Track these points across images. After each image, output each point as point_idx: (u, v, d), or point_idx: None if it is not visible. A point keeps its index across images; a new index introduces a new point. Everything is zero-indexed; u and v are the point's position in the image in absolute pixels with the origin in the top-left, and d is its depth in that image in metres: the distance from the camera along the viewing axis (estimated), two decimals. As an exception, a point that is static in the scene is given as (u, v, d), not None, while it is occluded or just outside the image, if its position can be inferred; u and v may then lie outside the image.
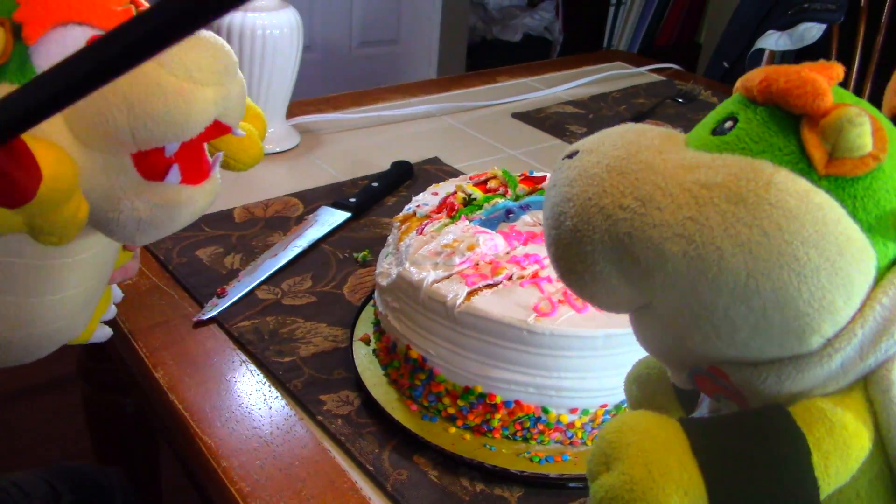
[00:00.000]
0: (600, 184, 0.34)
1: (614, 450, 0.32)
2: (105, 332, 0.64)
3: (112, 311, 0.65)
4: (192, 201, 0.46)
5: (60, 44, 0.41)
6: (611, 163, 0.34)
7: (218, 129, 0.45)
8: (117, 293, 0.67)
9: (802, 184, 0.31)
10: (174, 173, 0.44)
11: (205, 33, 0.44)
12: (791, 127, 0.32)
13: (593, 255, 0.34)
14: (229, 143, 0.50)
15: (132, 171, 0.43)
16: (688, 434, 0.32)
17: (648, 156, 0.34)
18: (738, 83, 0.35)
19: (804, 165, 0.32)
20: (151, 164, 0.43)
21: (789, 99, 0.32)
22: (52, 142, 0.39)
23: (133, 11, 0.43)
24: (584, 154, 0.36)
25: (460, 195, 0.72)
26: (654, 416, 0.34)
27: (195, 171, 0.45)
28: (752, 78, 0.34)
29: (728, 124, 0.34)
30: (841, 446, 0.32)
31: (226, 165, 0.53)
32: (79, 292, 0.49)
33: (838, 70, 0.34)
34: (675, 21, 3.12)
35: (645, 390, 0.43)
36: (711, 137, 0.34)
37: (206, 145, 0.48)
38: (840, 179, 0.32)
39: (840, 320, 0.32)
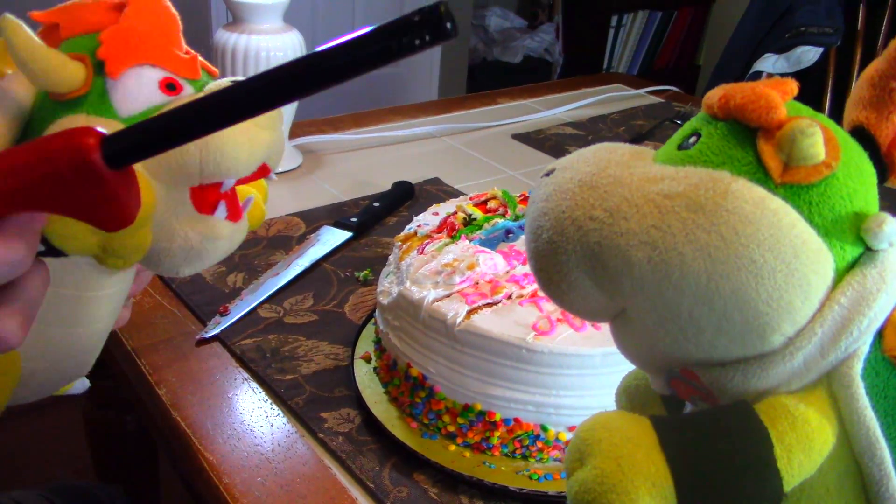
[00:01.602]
0: (573, 198, 0.36)
1: (587, 446, 0.34)
2: (84, 383, 0.63)
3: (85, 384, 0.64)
4: (231, 237, 0.49)
5: (137, 82, 0.44)
6: (582, 178, 0.36)
7: (262, 171, 0.47)
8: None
9: (759, 191, 0.33)
10: (222, 209, 0.47)
11: None
12: (749, 140, 0.34)
13: (568, 264, 0.36)
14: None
15: (188, 203, 0.45)
16: (656, 430, 0.34)
17: (617, 171, 0.36)
18: (703, 101, 0.37)
19: (761, 175, 0.33)
20: (206, 198, 0.46)
21: (745, 113, 0.34)
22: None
23: (198, 58, 0.47)
24: (559, 171, 0.38)
25: (461, 215, 0.73)
26: (626, 414, 0.35)
27: (235, 209, 0.48)
28: (713, 95, 0.36)
29: (692, 139, 0.36)
30: (804, 440, 0.33)
31: None
32: (101, 327, 0.51)
33: (792, 86, 0.35)
34: (674, 43, 3.15)
35: (634, 401, 0.44)
36: (677, 152, 0.36)
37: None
38: (795, 187, 0.33)
39: (799, 319, 0.33)
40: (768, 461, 0.33)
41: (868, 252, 0.34)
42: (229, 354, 0.72)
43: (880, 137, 0.36)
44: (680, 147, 0.36)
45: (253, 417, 0.65)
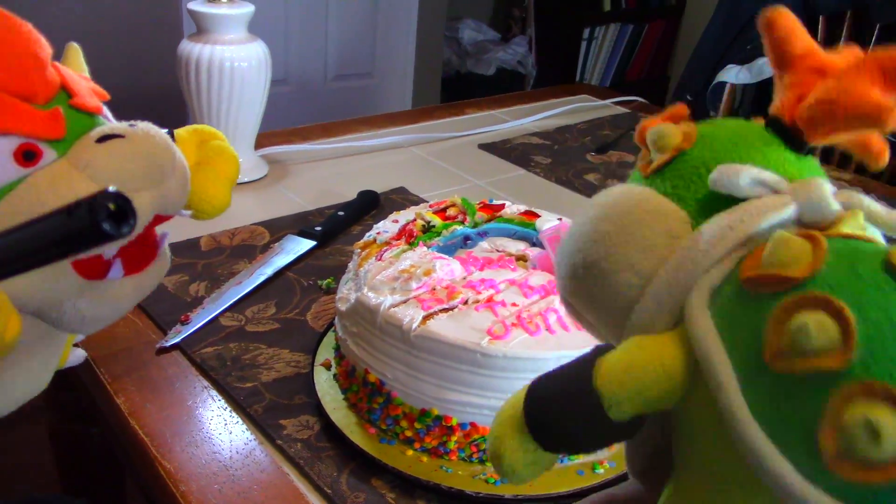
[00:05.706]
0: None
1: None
2: (78, 355, 0.63)
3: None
4: (138, 288, 0.45)
5: None
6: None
7: (158, 220, 0.44)
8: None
9: (624, 186, 0.41)
10: (116, 269, 0.43)
11: (143, 132, 0.42)
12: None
13: None
14: (191, 198, 0.50)
15: (72, 275, 0.42)
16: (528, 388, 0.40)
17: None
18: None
19: (640, 176, 0.42)
20: (91, 266, 0.42)
21: (640, 142, 0.43)
22: None
23: (62, 112, 0.41)
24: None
25: (419, 222, 0.74)
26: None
27: (139, 258, 0.44)
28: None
29: None
30: (624, 360, 0.36)
31: (192, 216, 0.53)
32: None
33: (681, 110, 0.42)
34: (645, 55, 3.19)
35: None
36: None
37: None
38: (656, 174, 0.40)
39: (642, 268, 0.37)
40: (588, 383, 0.36)
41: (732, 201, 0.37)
42: (189, 363, 0.72)
43: (782, 114, 0.40)
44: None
45: (212, 425, 0.65)
